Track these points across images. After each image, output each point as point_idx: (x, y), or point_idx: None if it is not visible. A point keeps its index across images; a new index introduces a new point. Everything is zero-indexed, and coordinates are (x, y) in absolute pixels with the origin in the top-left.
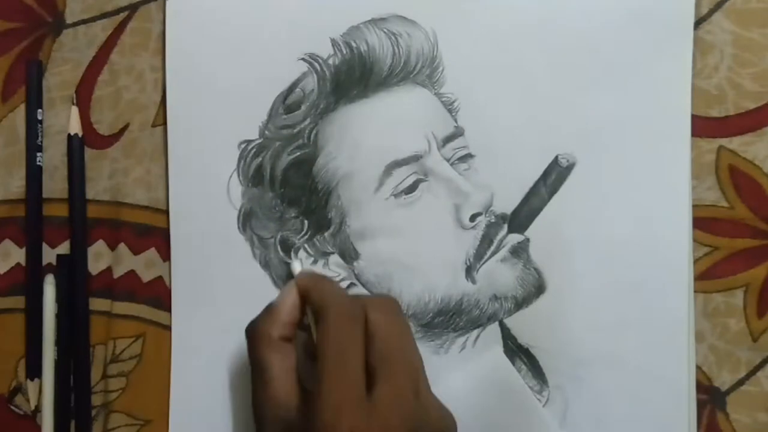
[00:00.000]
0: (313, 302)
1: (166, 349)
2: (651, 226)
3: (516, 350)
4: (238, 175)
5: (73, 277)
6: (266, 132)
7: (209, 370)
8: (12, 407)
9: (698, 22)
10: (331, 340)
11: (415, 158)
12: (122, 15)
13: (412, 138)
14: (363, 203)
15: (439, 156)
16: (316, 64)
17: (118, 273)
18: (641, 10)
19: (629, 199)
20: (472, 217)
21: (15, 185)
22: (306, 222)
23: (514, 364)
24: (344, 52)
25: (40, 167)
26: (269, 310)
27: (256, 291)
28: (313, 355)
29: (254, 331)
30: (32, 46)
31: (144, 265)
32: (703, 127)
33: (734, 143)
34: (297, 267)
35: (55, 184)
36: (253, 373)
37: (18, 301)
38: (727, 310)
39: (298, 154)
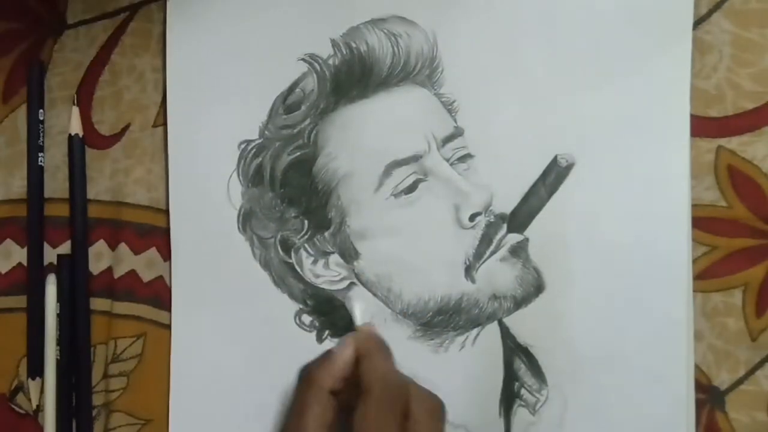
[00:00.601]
0: (361, 371)
1: (166, 349)
2: (650, 225)
3: (515, 349)
4: (238, 175)
5: (74, 277)
6: (266, 132)
7: (209, 370)
8: (13, 406)
9: (697, 22)
10: (368, 425)
11: (415, 158)
12: (123, 15)
13: (411, 138)
14: (363, 203)
15: (439, 156)
16: (316, 65)
17: (118, 273)
18: (640, 10)
19: (628, 199)
20: (472, 217)
21: (16, 185)
22: (306, 222)
23: (513, 363)
24: (344, 52)
25: (42, 167)
26: (327, 358)
27: (256, 291)
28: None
29: (309, 376)
30: (33, 47)
31: (144, 264)
32: (702, 127)
33: (733, 143)
34: (358, 314)
35: (57, 184)
36: (288, 414)
37: (19, 301)
38: (725, 309)
39: (298, 154)
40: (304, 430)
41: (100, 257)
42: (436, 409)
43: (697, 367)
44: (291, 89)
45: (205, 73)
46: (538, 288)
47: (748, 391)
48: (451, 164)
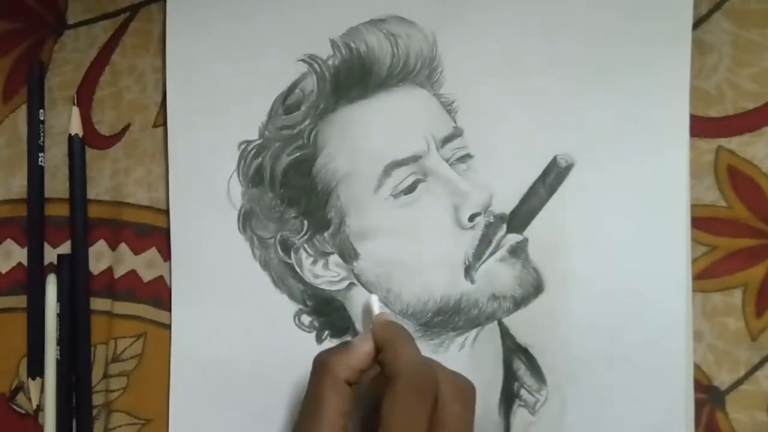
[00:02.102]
0: (385, 362)
1: (166, 349)
2: (649, 225)
3: (514, 349)
4: (238, 176)
5: (75, 277)
6: (266, 132)
7: (209, 370)
8: (13, 406)
9: (697, 23)
10: (397, 414)
11: (415, 159)
12: (123, 16)
13: (411, 138)
14: (362, 203)
15: (438, 156)
16: (316, 65)
17: (118, 273)
18: (640, 11)
19: (628, 199)
20: (471, 217)
21: (17, 185)
22: (306, 222)
23: (512, 363)
24: (344, 52)
25: (42, 167)
26: (345, 348)
27: (256, 291)
28: (373, 406)
29: (323, 364)
30: (34, 47)
31: (145, 264)
32: (701, 127)
33: (733, 143)
34: (375, 306)
35: (57, 184)
36: (307, 401)
37: (20, 301)
38: (725, 309)
39: (298, 154)
40: (321, 417)
41: (100, 257)
42: (465, 390)
43: (698, 367)
44: (291, 89)
45: (205, 73)
46: (537, 288)
47: (748, 391)
48: (451, 164)
